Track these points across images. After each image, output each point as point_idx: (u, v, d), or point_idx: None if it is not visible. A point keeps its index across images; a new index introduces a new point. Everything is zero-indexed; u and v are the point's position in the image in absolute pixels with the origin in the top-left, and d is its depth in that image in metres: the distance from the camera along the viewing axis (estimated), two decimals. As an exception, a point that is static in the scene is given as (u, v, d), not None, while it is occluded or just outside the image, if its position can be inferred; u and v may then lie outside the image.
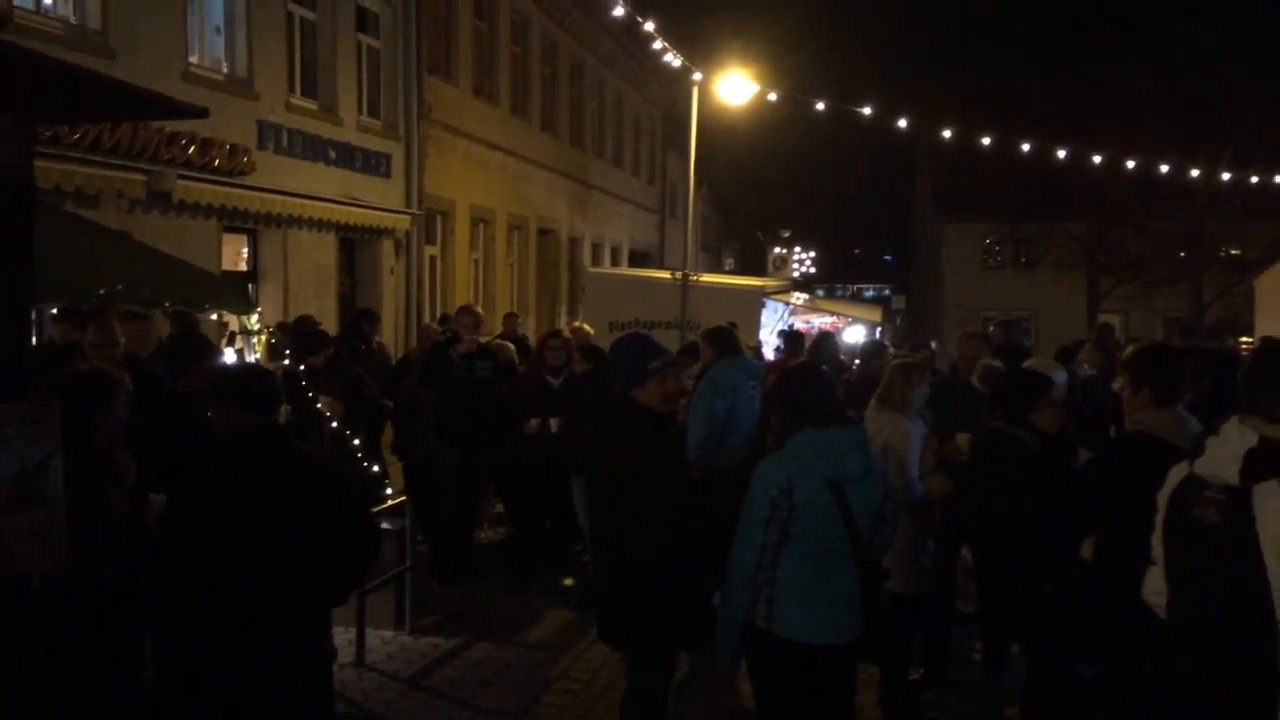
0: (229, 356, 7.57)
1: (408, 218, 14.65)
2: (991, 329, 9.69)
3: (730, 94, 17.93)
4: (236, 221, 11.36)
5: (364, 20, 14.27)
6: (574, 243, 22.84)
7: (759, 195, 44.02)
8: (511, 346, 9.49)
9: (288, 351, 7.65)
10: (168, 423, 4.92)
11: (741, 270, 38.99)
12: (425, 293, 15.66)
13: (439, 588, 7.56)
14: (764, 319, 14.99)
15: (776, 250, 49.94)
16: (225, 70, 11.53)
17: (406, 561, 6.62)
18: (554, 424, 7.49)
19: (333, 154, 13.13)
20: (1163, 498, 3.13)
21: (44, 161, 8.07)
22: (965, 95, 31.87)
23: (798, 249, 56.28)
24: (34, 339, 5.56)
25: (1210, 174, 24.76)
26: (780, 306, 17.18)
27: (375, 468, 7.33)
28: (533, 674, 6.11)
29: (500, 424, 7.80)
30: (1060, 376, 5.54)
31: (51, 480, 2.85)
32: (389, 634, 6.57)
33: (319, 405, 7.13)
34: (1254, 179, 23.73)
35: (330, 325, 11.17)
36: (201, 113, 3.84)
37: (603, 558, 4.32)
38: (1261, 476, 2.81)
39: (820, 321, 21.76)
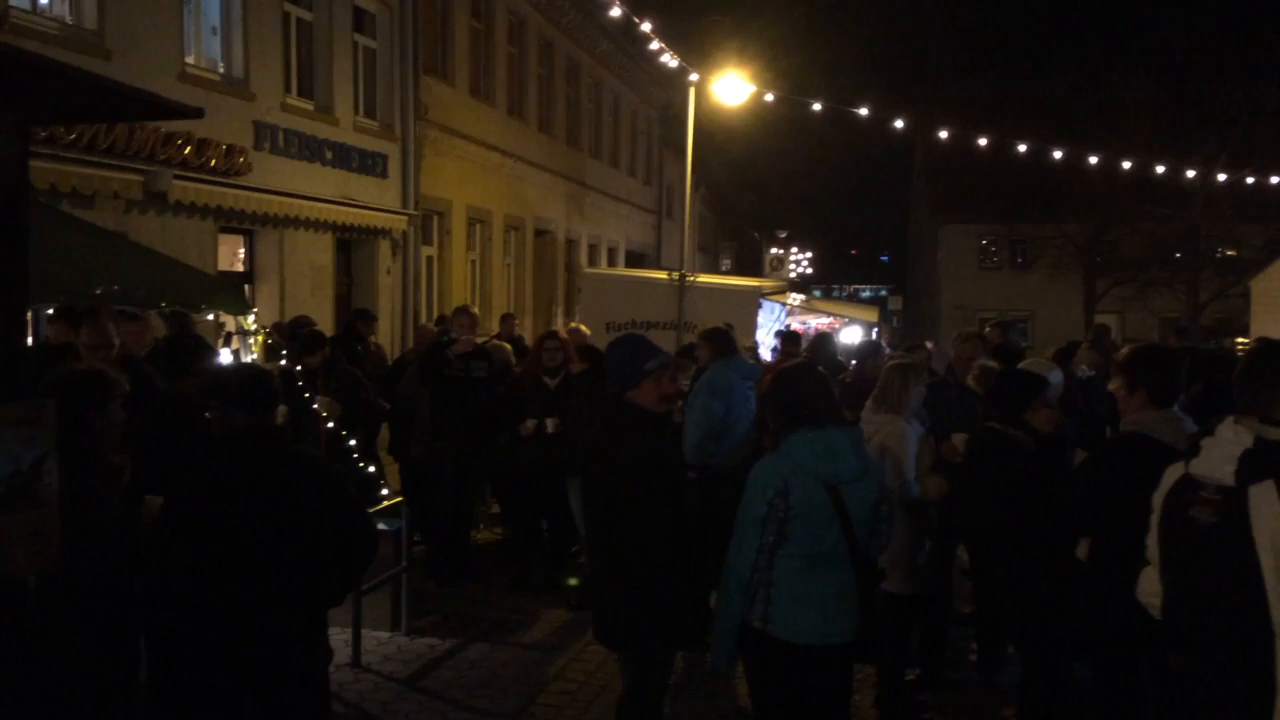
0: (225, 357, 7.57)
1: (404, 218, 14.64)
2: (988, 330, 9.68)
3: (727, 95, 17.95)
4: (233, 222, 11.35)
5: (361, 20, 14.26)
6: (571, 243, 22.84)
7: (756, 196, 44.10)
8: (508, 347, 9.49)
9: (284, 352, 7.64)
10: (163, 424, 4.92)
11: (738, 271, 39.02)
12: (422, 293, 15.64)
13: (435, 588, 7.56)
14: (761, 320, 15.00)
15: (773, 251, 49.99)
16: (221, 70, 11.51)
17: (403, 562, 6.62)
18: (550, 425, 7.49)
19: (329, 154, 13.11)
20: (1158, 498, 3.14)
21: (40, 162, 8.06)
22: (961, 97, 31.95)
23: (795, 250, 56.36)
24: (30, 339, 5.56)
25: (1206, 175, 24.83)
26: (777, 307, 17.20)
27: (371, 468, 7.33)
28: (529, 675, 6.11)
29: (496, 425, 7.80)
30: (1056, 377, 5.55)
31: (46, 481, 2.85)
32: (385, 635, 6.57)
33: (315, 406, 7.13)
34: (1249, 180, 23.80)
35: (326, 326, 11.16)
36: (197, 113, 3.84)
37: (599, 559, 4.32)
38: (1257, 477, 2.81)
39: (817, 322, 21.81)
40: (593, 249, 24.34)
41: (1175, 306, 29.66)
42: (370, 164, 14.03)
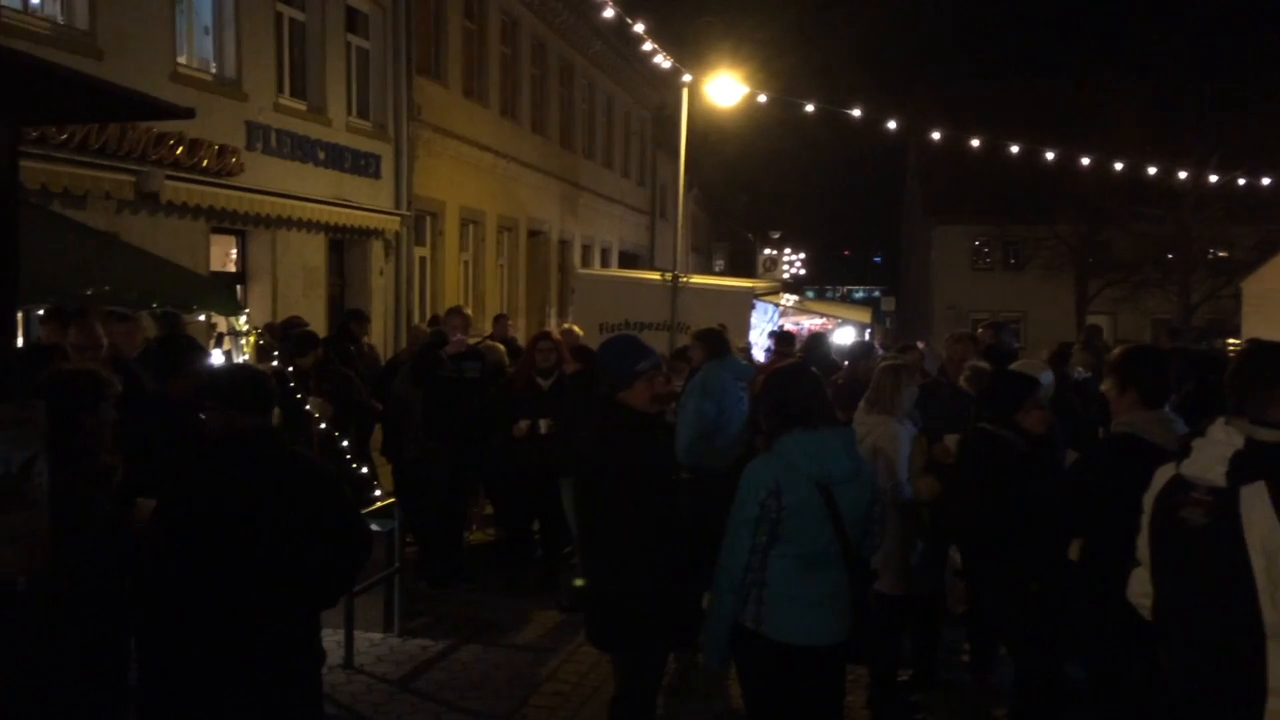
0: (217, 358, 7.55)
1: (397, 219, 14.62)
2: (980, 330, 9.70)
3: (720, 95, 17.97)
4: (225, 222, 11.32)
5: (353, 21, 14.24)
6: (564, 244, 22.83)
7: (749, 197, 44.14)
8: (501, 348, 9.48)
9: (276, 353, 7.63)
10: (154, 424, 4.91)
11: (731, 271, 39.02)
12: (415, 294, 15.63)
13: (428, 590, 7.55)
14: (754, 320, 15.01)
15: (766, 252, 49.97)
16: (214, 70, 11.49)
17: (395, 563, 6.61)
18: (543, 425, 7.48)
19: (322, 155, 13.09)
20: (1149, 499, 3.14)
21: (31, 162, 8.03)
22: (954, 97, 32.02)
23: (788, 250, 56.35)
24: (21, 340, 5.55)
25: (1197, 177, 24.90)
26: (770, 308, 17.21)
27: (364, 469, 7.32)
28: (521, 676, 6.11)
29: (489, 425, 7.79)
30: (1047, 378, 5.57)
31: (36, 482, 2.83)
32: (378, 636, 6.56)
33: (308, 407, 7.12)
34: (1241, 181, 23.89)
35: (319, 326, 11.15)
36: (189, 113, 3.83)
37: (591, 560, 4.32)
38: (1248, 478, 2.82)
39: (810, 323, 21.82)
40: (586, 250, 24.34)
41: (1167, 308, 29.76)
42: (363, 164, 14.01)
